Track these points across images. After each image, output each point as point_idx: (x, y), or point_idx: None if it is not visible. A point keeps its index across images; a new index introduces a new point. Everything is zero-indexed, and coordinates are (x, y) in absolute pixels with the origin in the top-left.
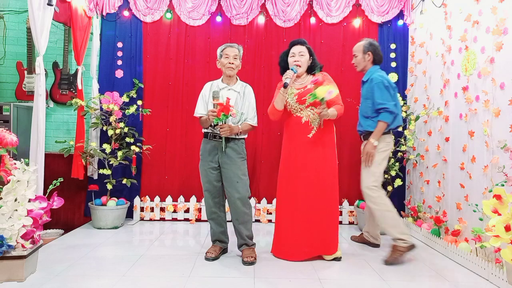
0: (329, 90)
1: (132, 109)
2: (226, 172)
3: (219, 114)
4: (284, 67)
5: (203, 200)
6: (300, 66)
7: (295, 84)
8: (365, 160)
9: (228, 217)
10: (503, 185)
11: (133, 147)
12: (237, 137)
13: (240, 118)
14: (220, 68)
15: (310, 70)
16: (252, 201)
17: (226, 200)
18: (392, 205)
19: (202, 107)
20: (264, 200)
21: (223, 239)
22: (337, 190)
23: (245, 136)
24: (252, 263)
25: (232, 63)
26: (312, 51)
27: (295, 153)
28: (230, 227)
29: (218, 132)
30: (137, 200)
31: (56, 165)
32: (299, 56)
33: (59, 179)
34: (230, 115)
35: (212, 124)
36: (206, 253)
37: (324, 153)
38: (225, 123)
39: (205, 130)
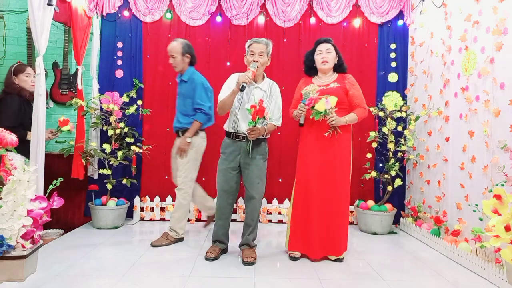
0: (326, 101)
1: (132, 109)
2: (247, 173)
3: (255, 117)
4: (309, 65)
5: None
6: (327, 62)
7: (318, 81)
8: (180, 155)
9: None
10: (503, 185)
11: (133, 147)
12: (260, 137)
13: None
14: (246, 64)
15: (337, 68)
16: None
17: (245, 199)
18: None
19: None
20: (264, 200)
21: (223, 240)
22: (348, 191)
23: (268, 136)
24: (252, 263)
25: (257, 61)
26: (337, 49)
27: (312, 150)
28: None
29: (245, 85)
30: (137, 200)
31: (56, 165)
32: (326, 53)
33: (59, 179)
34: (264, 118)
35: (241, 87)
36: (206, 253)
37: (340, 152)
38: (255, 125)
39: (228, 129)
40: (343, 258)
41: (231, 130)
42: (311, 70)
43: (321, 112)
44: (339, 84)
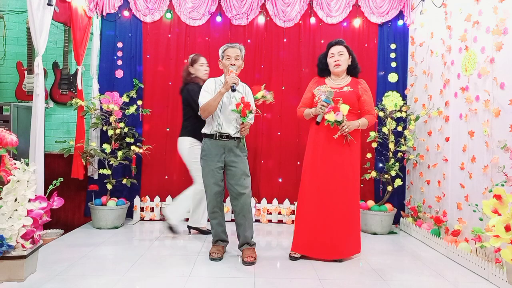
0: (336, 113)
1: (132, 109)
2: (234, 170)
3: (245, 113)
4: (322, 68)
5: None
6: (340, 65)
7: (331, 82)
8: None
9: (227, 217)
10: (503, 185)
11: (133, 147)
12: (241, 135)
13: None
14: (222, 69)
15: (351, 70)
16: (252, 201)
17: (229, 198)
18: None
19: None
20: (264, 200)
21: (224, 239)
22: (357, 194)
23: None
24: (252, 263)
25: (234, 65)
26: (351, 50)
27: (321, 151)
28: (228, 227)
29: (234, 87)
30: (137, 200)
31: (56, 165)
32: (338, 55)
33: (59, 179)
34: (251, 111)
35: (231, 88)
36: (211, 254)
37: (349, 155)
38: (243, 122)
39: (211, 132)
40: (342, 259)
41: (214, 132)
42: (324, 72)
43: (332, 123)
44: (352, 88)
